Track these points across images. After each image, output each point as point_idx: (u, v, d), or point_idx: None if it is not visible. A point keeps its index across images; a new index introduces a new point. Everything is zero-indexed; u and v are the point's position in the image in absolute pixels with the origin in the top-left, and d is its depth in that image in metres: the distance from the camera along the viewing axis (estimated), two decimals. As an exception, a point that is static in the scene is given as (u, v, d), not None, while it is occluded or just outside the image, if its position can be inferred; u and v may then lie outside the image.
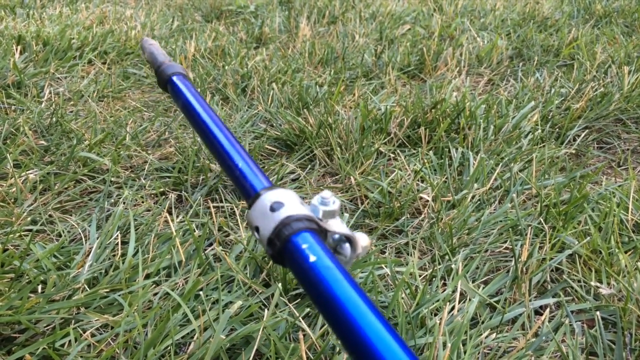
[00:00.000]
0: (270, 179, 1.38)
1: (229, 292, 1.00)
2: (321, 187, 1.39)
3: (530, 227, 1.15)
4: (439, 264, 1.10)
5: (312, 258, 0.38)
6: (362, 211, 1.29)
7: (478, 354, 0.89)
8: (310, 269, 0.38)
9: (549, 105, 1.79)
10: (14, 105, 1.74)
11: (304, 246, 0.39)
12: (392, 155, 1.53)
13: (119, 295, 0.95)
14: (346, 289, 0.36)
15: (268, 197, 0.43)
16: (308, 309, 0.94)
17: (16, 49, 2.09)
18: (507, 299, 1.02)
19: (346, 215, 1.24)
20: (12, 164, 1.32)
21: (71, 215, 1.22)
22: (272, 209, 0.42)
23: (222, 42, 2.42)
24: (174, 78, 0.66)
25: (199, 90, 1.89)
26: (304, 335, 0.87)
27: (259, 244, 0.43)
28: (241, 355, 0.85)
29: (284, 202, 0.42)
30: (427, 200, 1.29)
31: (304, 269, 0.38)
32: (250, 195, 0.46)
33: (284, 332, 0.88)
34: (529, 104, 1.76)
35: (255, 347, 0.85)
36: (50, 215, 1.21)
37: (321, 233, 0.42)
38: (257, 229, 0.42)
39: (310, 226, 0.41)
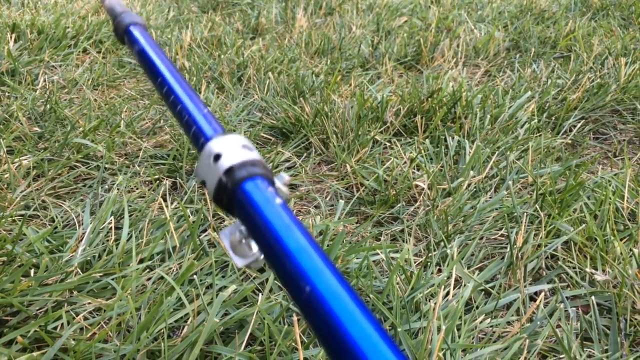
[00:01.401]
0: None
1: (223, 276, 1.00)
2: (317, 175, 1.38)
3: (525, 215, 1.15)
4: (434, 250, 1.09)
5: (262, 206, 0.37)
6: (358, 198, 1.29)
7: (472, 338, 0.89)
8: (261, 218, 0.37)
9: (545, 95, 1.78)
10: (8, 92, 1.73)
11: (254, 194, 0.38)
12: (388, 143, 1.53)
13: (112, 279, 0.94)
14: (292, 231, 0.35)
15: (211, 147, 0.41)
16: (302, 294, 0.93)
17: (10, 37, 2.08)
18: (502, 285, 1.02)
19: (342, 202, 1.23)
20: (5, 150, 1.31)
21: (65, 201, 1.22)
22: (215, 158, 0.40)
23: (218, 32, 2.41)
24: (131, 28, 0.64)
25: (194, 79, 1.88)
26: (298, 320, 0.87)
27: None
28: (235, 338, 0.85)
29: (222, 152, 0.40)
30: (423, 188, 1.29)
31: (255, 218, 0.37)
32: (198, 144, 0.45)
33: (278, 316, 0.88)
34: (526, 94, 1.75)
35: (249, 331, 0.85)
36: (43, 201, 1.20)
37: (269, 177, 0.40)
38: (203, 183, 0.41)
39: (257, 172, 0.39)
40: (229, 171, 0.39)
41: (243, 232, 0.39)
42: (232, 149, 0.40)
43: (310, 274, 0.32)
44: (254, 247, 0.39)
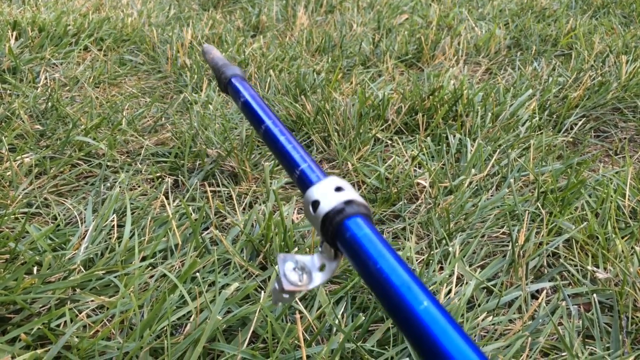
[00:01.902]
0: (268, 164, 1.37)
1: (226, 274, 1.00)
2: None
3: (527, 212, 1.15)
4: (436, 248, 1.09)
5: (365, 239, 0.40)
6: (359, 196, 1.29)
7: (474, 336, 0.89)
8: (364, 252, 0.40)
9: (546, 93, 1.78)
10: (9, 90, 1.73)
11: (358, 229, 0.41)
12: (390, 141, 1.53)
13: (115, 277, 0.94)
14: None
15: (309, 195, 0.45)
16: (305, 291, 0.93)
17: (11, 35, 2.08)
18: (504, 283, 1.02)
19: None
20: (7, 148, 1.31)
21: (67, 198, 1.22)
22: (314, 207, 0.44)
23: (219, 30, 2.41)
24: (233, 80, 0.70)
25: (195, 77, 1.88)
26: (301, 317, 0.87)
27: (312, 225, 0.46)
28: (237, 336, 0.85)
29: (344, 187, 0.44)
30: (425, 186, 1.29)
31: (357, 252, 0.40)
32: (305, 189, 0.48)
33: (281, 313, 0.88)
34: (527, 92, 1.75)
35: (252, 328, 0.85)
36: (45, 199, 1.20)
37: (371, 220, 0.43)
38: (315, 204, 0.44)
39: (366, 212, 0.42)
40: (327, 217, 0.42)
41: (299, 263, 0.43)
42: (327, 194, 0.44)
43: (412, 302, 0.36)
44: (305, 279, 0.43)
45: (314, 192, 0.44)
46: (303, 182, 0.50)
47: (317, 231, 0.44)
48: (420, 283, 0.36)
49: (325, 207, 0.42)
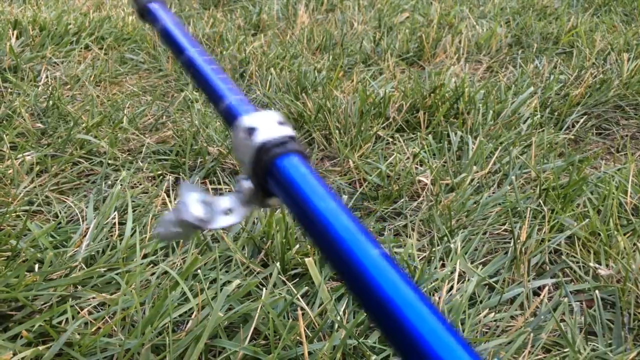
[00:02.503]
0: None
1: (227, 271, 1.00)
2: (320, 171, 1.39)
3: (529, 209, 1.15)
4: (438, 245, 1.09)
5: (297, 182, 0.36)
6: (361, 194, 1.29)
7: (476, 332, 0.89)
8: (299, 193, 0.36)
9: (548, 91, 1.78)
10: (11, 88, 1.73)
11: (290, 170, 0.37)
12: (391, 139, 1.53)
13: (117, 274, 0.94)
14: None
15: (244, 121, 0.40)
16: (306, 288, 0.93)
17: (12, 34, 2.08)
18: (506, 279, 1.02)
19: (345, 197, 1.23)
20: (8, 146, 1.31)
21: (68, 196, 1.22)
22: (249, 133, 0.39)
23: (220, 28, 2.41)
24: (151, 5, 0.62)
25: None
26: (303, 314, 0.87)
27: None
28: (239, 332, 0.85)
29: (258, 127, 0.39)
30: (426, 184, 1.29)
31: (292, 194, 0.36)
32: (231, 123, 0.44)
33: (282, 310, 0.88)
34: (528, 89, 1.75)
35: (254, 325, 0.85)
36: (47, 197, 1.20)
37: (304, 154, 0.39)
38: (242, 161, 0.39)
39: (293, 148, 0.38)
40: (262, 148, 0.38)
41: (205, 199, 0.39)
42: (268, 124, 0.39)
43: (350, 244, 0.32)
44: (207, 217, 0.39)
45: (253, 119, 0.39)
46: (234, 112, 0.44)
47: (244, 164, 0.39)
48: (367, 232, 0.33)
49: (264, 136, 0.38)
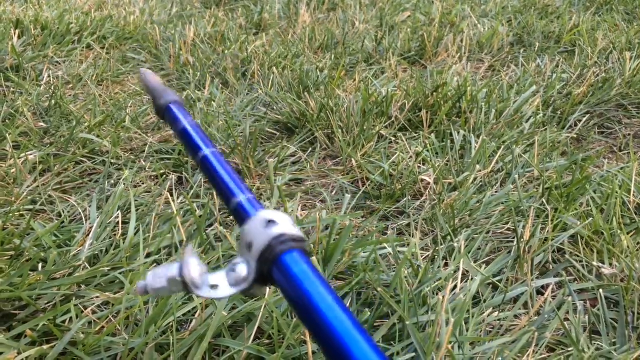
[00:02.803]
0: (272, 160, 1.37)
1: (231, 271, 1.00)
2: (323, 170, 1.38)
3: (532, 208, 1.15)
4: (441, 244, 1.09)
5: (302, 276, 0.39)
6: (364, 193, 1.29)
7: (480, 331, 0.89)
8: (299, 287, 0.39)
9: (550, 90, 1.78)
10: (13, 88, 1.73)
11: (295, 264, 0.40)
12: (394, 138, 1.53)
13: (120, 273, 0.94)
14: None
15: (262, 216, 0.43)
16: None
17: (14, 33, 2.08)
18: (509, 279, 1.02)
19: (348, 196, 1.23)
20: (11, 145, 1.31)
21: (71, 195, 1.22)
22: (267, 225, 0.42)
23: (221, 27, 2.40)
24: (172, 106, 0.67)
25: (198, 74, 1.88)
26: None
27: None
28: (243, 332, 0.85)
29: (275, 220, 0.42)
30: (429, 183, 1.29)
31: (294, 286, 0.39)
32: (242, 219, 0.47)
33: (286, 310, 0.88)
34: (531, 88, 1.75)
35: (257, 324, 0.85)
36: (50, 196, 1.20)
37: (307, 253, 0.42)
38: (249, 245, 0.43)
39: (300, 246, 0.41)
40: (276, 239, 0.41)
41: (201, 266, 0.42)
42: (281, 221, 0.42)
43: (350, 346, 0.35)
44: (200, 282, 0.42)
45: (269, 214, 0.43)
46: (245, 209, 0.49)
47: (250, 253, 0.42)
48: (359, 326, 0.36)
49: (279, 229, 0.41)
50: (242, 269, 0.42)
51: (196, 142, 0.59)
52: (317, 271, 0.40)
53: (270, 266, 0.40)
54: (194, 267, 0.42)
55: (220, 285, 0.42)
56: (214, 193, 1.20)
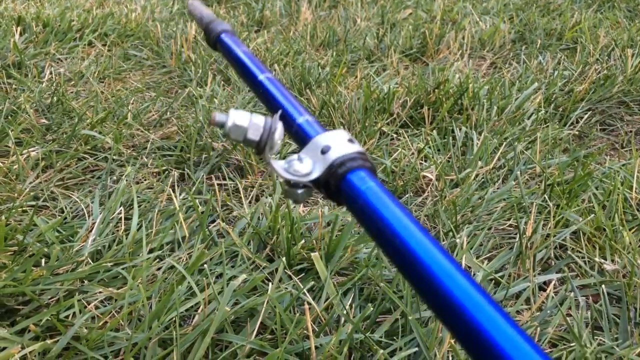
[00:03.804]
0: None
1: (233, 266, 1.00)
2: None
3: (534, 205, 1.15)
4: (443, 240, 1.09)
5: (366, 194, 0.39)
6: (366, 189, 1.29)
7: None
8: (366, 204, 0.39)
9: (552, 87, 1.78)
10: (15, 84, 1.73)
11: (359, 184, 0.40)
12: (395, 135, 1.53)
13: (123, 269, 0.95)
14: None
15: (318, 140, 0.44)
16: (313, 282, 0.94)
17: (16, 30, 2.08)
18: (512, 274, 1.02)
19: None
20: (14, 142, 1.31)
21: (73, 192, 1.22)
22: (323, 151, 0.43)
23: (223, 24, 2.40)
24: (223, 36, 0.68)
25: (200, 71, 1.88)
26: (310, 308, 0.87)
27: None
28: (246, 327, 0.85)
29: (331, 145, 0.43)
30: (431, 179, 1.29)
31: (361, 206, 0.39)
32: (303, 141, 0.47)
33: (289, 305, 0.88)
34: (532, 85, 1.75)
35: (260, 319, 0.85)
36: (52, 192, 1.20)
37: (372, 169, 0.42)
38: (324, 150, 0.43)
39: (363, 164, 0.41)
40: (335, 164, 0.41)
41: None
42: (340, 142, 0.43)
43: (426, 258, 0.34)
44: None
45: (326, 138, 0.43)
46: (306, 132, 0.49)
47: (316, 178, 0.43)
48: (437, 242, 0.36)
49: (336, 152, 0.42)
50: (307, 165, 0.43)
51: (251, 69, 0.60)
52: (380, 184, 0.40)
53: (344, 176, 0.41)
54: (280, 131, 0.44)
55: (280, 165, 0.43)
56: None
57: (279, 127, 0.45)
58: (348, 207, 0.42)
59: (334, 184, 0.41)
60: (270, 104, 0.54)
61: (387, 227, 0.37)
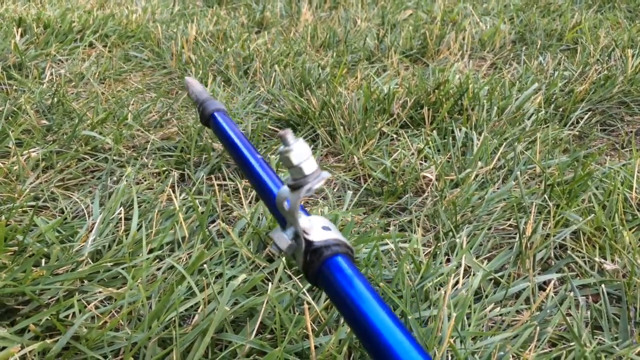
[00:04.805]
0: (274, 157, 1.38)
1: (233, 266, 1.00)
2: (324, 167, 1.39)
3: (534, 205, 1.15)
4: (443, 240, 1.09)
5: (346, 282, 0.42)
6: (366, 190, 1.29)
7: (482, 326, 0.89)
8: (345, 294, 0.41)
9: (552, 87, 1.78)
10: (16, 85, 1.73)
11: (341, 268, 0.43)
12: (395, 135, 1.53)
13: (123, 269, 0.95)
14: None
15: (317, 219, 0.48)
16: (312, 282, 0.93)
17: (17, 31, 2.08)
18: (511, 274, 1.02)
19: (349, 193, 1.23)
20: (14, 142, 1.32)
21: (74, 192, 1.22)
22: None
23: (223, 26, 2.41)
24: (216, 114, 0.72)
25: (200, 72, 1.88)
26: (309, 308, 0.87)
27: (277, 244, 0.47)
28: (245, 326, 0.85)
29: (332, 228, 0.47)
30: (431, 179, 1.29)
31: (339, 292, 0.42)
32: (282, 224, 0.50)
33: (288, 304, 0.88)
34: (532, 86, 1.75)
35: (260, 319, 0.85)
36: (52, 192, 1.21)
37: (352, 257, 0.45)
38: (293, 257, 0.47)
39: (345, 251, 0.44)
40: (315, 250, 0.44)
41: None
42: (316, 230, 0.46)
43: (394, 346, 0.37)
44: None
45: (304, 223, 0.46)
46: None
47: (298, 262, 0.45)
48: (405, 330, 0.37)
49: (314, 240, 0.44)
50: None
51: (241, 149, 0.64)
52: (364, 277, 0.43)
53: (321, 263, 0.44)
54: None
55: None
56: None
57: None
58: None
59: (313, 272, 0.45)
60: (259, 187, 0.57)
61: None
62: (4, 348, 0.78)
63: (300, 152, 0.44)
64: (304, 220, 0.45)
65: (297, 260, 0.45)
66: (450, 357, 0.82)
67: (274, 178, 0.56)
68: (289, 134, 0.44)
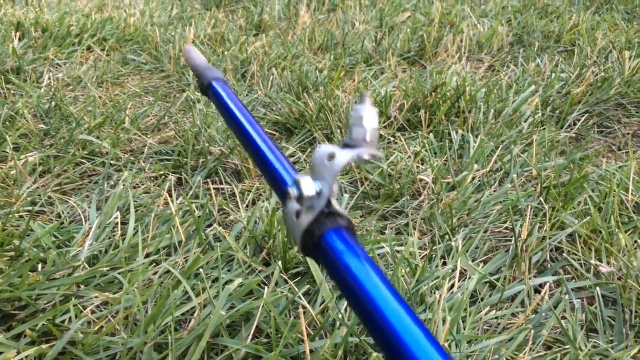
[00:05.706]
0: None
1: (229, 270, 1.00)
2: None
3: (530, 207, 1.15)
4: (439, 243, 1.10)
5: (344, 256, 0.40)
6: (362, 192, 1.29)
7: (477, 329, 0.90)
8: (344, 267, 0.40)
9: (549, 89, 1.78)
10: (13, 90, 1.74)
11: (337, 244, 0.41)
12: (392, 138, 1.53)
13: (119, 273, 0.95)
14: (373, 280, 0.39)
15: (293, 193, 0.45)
16: (308, 286, 0.94)
17: (15, 35, 2.08)
18: (507, 277, 1.02)
19: (346, 196, 1.24)
20: (11, 147, 1.32)
21: (71, 196, 1.22)
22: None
23: (221, 28, 2.41)
24: (214, 83, 0.70)
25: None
26: (304, 312, 0.87)
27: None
28: (241, 331, 0.85)
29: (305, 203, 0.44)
30: (427, 182, 1.29)
31: (337, 266, 0.40)
32: (280, 192, 0.49)
33: (284, 308, 0.88)
34: (529, 88, 1.75)
35: (255, 323, 0.85)
36: (49, 197, 1.21)
37: (351, 229, 0.43)
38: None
39: (343, 224, 0.43)
40: (331, 213, 0.43)
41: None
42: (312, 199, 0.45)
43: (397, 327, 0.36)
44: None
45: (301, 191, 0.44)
46: (282, 184, 0.51)
47: (296, 241, 0.44)
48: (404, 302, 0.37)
49: (335, 205, 0.43)
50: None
51: (239, 119, 0.62)
52: (364, 250, 0.42)
53: (317, 241, 0.42)
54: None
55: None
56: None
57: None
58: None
59: (311, 250, 0.43)
60: (259, 159, 0.56)
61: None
62: (0, 353, 0.78)
63: (372, 119, 0.43)
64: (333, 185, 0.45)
65: (302, 217, 0.43)
66: None
67: (275, 150, 0.55)
68: (369, 96, 0.44)
